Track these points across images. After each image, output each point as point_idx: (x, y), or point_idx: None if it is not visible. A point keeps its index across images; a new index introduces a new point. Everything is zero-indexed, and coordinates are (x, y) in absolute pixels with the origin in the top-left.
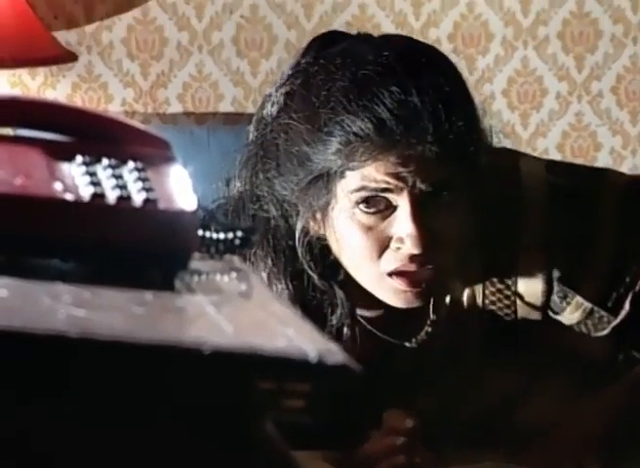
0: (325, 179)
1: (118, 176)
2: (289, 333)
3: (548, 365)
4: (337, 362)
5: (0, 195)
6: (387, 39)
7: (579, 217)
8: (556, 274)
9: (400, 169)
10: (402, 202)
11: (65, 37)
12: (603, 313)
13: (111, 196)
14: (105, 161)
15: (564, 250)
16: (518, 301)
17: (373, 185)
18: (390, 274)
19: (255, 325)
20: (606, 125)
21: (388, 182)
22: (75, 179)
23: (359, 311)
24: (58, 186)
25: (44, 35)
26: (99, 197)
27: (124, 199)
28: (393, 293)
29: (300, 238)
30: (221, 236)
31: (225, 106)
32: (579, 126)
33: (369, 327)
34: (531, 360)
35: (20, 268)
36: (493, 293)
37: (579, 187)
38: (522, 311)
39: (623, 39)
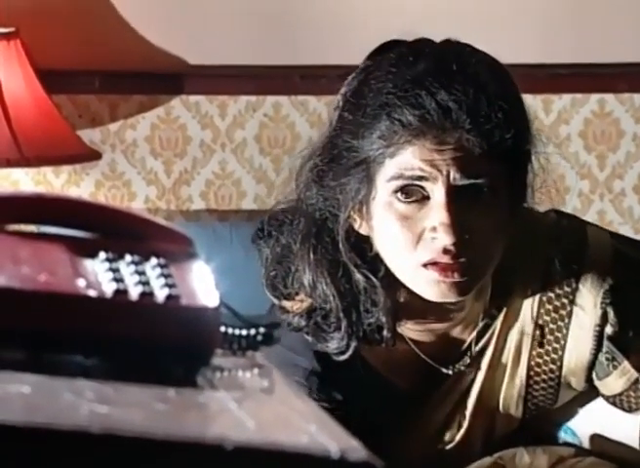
0: (365, 167)
1: (141, 273)
2: (311, 430)
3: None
4: (359, 458)
5: (24, 292)
6: (445, 41)
7: (638, 285)
8: (608, 331)
9: (435, 156)
10: (437, 191)
11: (90, 135)
12: None
13: (134, 292)
14: (128, 257)
15: (620, 310)
16: (565, 359)
17: (409, 173)
18: (425, 265)
19: (277, 421)
20: (628, 224)
21: (423, 169)
22: (98, 276)
23: (401, 329)
24: (81, 283)
25: (68, 134)
26: (121, 293)
27: (147, 295)
28: (428, 284)
29: (341, 230)
30: (244, 332)
31: (248, 203)
32: (601, 224)
33: (411, 345)
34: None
35: (42, 364)
36: (540, 345)
37: None
38: (566, 371)
39: None
